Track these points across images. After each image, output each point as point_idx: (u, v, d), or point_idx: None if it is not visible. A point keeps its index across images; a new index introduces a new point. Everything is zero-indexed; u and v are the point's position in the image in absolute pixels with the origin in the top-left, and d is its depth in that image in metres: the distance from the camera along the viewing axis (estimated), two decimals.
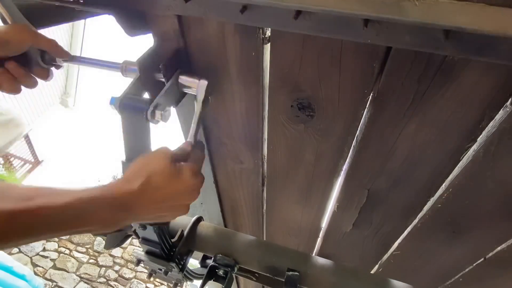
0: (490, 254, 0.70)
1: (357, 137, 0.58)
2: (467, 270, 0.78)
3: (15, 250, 4.33)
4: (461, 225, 0.66)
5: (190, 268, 0.79)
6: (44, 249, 4.48)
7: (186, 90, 0.56)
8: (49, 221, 0.34)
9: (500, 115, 0.44)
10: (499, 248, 0.67)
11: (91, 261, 4.55)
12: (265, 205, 0.93)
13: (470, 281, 0.81)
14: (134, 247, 4.56)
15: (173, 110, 0.59)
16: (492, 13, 0.32)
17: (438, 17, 0.33)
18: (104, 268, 4.53)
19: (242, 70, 0.55)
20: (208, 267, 0.72)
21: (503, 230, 0.63)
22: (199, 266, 0.83)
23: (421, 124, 0.51)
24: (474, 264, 0.75)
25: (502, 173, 0.52)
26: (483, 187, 0.56)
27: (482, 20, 0.32)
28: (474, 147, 0.50)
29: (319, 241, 0.98)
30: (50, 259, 4.43)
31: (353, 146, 0.60)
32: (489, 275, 0.76)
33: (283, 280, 0.67)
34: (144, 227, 0.66)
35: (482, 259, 0.72)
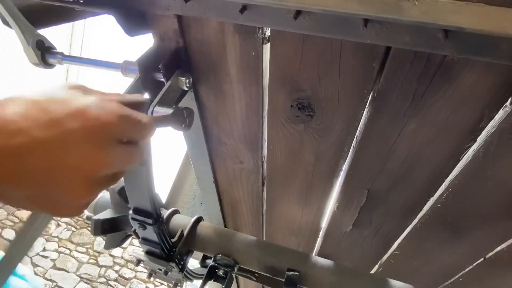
0: (490, 254, 0.70)
1: (356, 137, 0.58)
2: (467, 270, 0.78)
3: None
4: (461, 225, 0.66)
5: (190, 268, 0.79)
6: (44, 249, 4.48)
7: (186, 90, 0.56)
8: None
9: (499, 115, 0.44)
10: (499, 248, 0.67)
11: (91, 261, 4.55)
12: (265, 205, 0.93)
13: (470, 281, 0.81)
14: (134, 247, 4.56)
15: None
16: (492, 13, 0.32)
17: (438, 17, 0.33)
18: (104, 268, 4.52)
19: (241, 70, 0.55)
20: (208, 267, 0.72)
21: (503, 230, 0.63)
22: (199, 266, 0.83)
23: (420, 124, 0.51)
24: (474, 264, 0.75)
25: (502, 173, 0.52)
26: (483, 187, 0.56)
27: (482, 20, 0.32)
28: (474, 147, 0.50)
29: (319, 241, 0.98)
30: (50, 259, 4.43)
31: (353, 146, 0.60)
32: (489, 275, 0.76)
33: (283, 280, 0.67)
34: (144, 227, 0.66)
35: (482, 259, 0.72)
